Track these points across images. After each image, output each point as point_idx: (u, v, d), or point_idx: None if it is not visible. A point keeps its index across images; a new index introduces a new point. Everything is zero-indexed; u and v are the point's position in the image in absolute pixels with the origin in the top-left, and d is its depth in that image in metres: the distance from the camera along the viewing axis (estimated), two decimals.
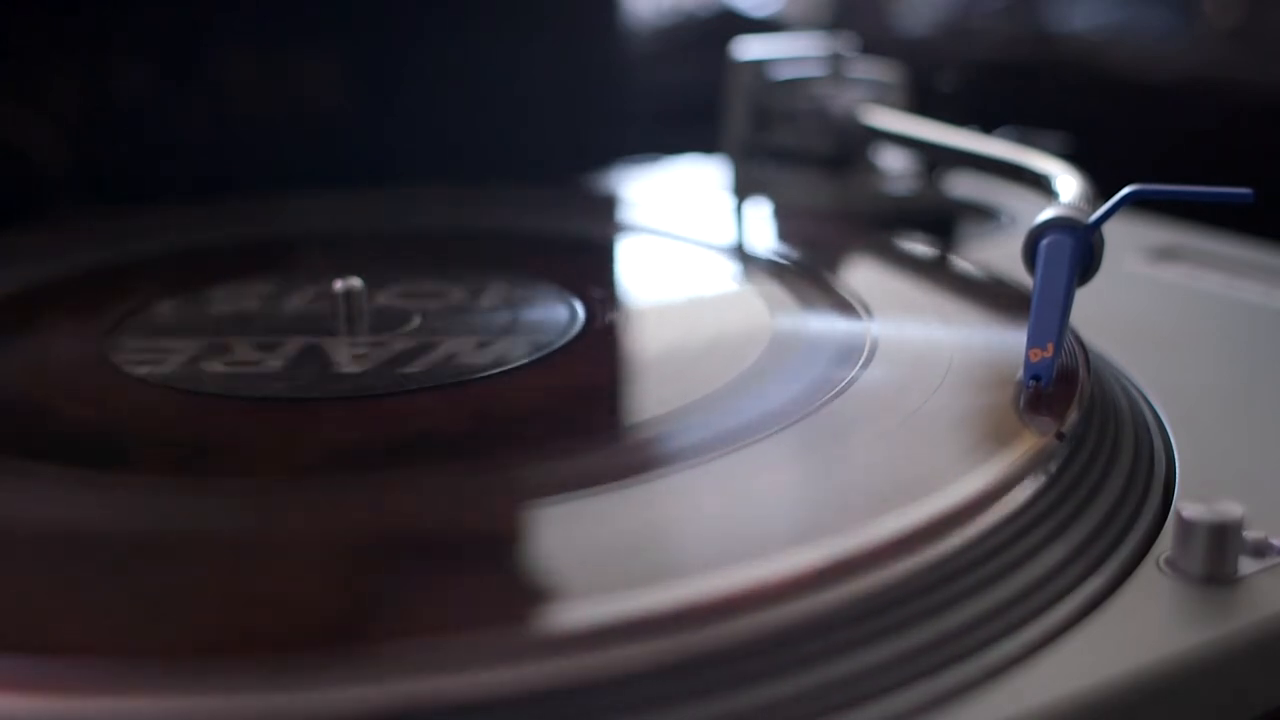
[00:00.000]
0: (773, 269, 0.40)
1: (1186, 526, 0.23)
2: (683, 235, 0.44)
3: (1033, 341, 0.28)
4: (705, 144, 0.54)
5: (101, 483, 0.25)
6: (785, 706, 0.20)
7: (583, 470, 0.25)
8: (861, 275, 0.39)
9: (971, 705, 0.20)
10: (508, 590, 0.21)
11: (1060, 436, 0.26)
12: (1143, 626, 0.22)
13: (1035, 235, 0.30)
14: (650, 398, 0.30)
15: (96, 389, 0.31)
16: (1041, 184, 0.37)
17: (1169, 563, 0.24)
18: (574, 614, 0.20)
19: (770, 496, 0.25)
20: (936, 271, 0.39)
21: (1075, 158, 0.39)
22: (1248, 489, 0.26)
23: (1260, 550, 0.24)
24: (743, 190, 0.50)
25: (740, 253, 0.43)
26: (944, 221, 0.48)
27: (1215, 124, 0.61)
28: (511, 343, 0.32)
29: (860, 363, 0.30)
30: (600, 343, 0.33)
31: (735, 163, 0.50)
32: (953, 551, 0.22)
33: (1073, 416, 0.26)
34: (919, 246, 0.41)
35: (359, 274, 0.34)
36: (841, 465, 0.26)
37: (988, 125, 0.44)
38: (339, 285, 0.33)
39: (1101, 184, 0.34)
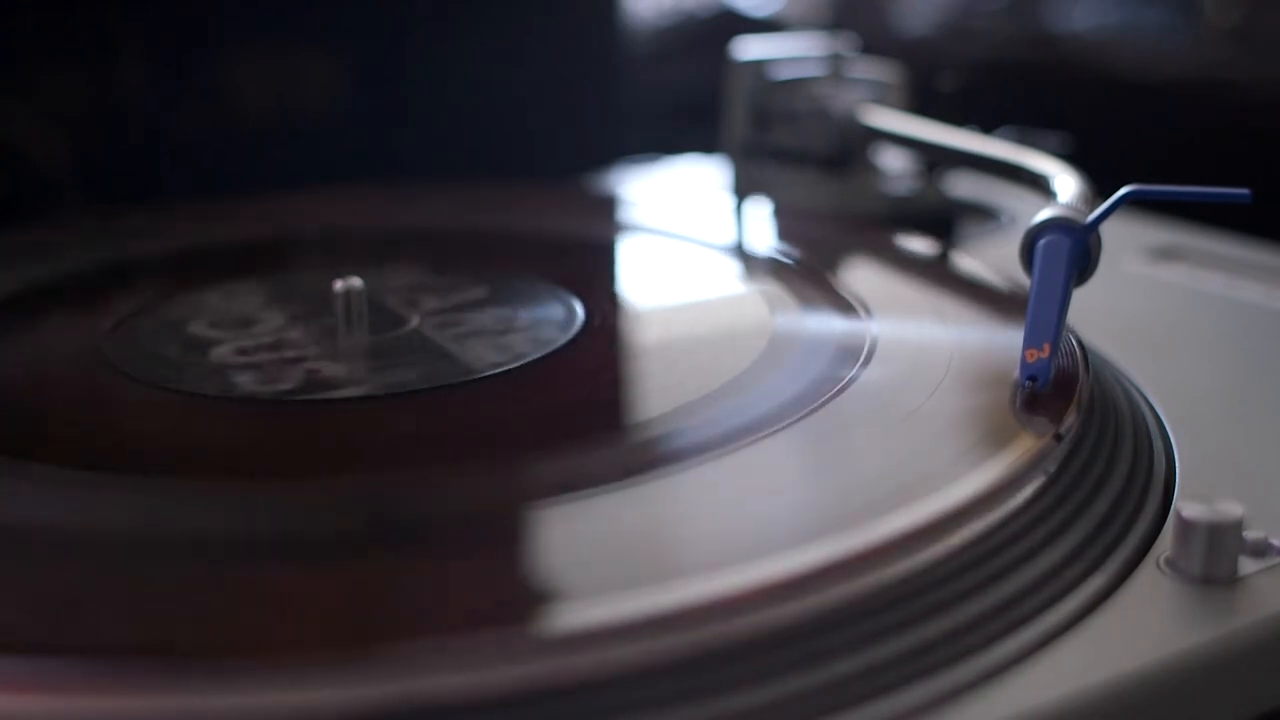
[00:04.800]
0: (773, 269, 0.40)
1: (1186, 526, 0.23)
2: (683, 235, 0.44)
3: (1029, 342, 0.28)
4: (705, 144, 0.54)
5: (101, 483, 0.25)
6: (786, 706, 0.20)
7: (583, 470, 0.25)
8: (861, 275, 0.39)
9: (971, 705, 0.20)
10: (508, 590, 0.21)
11: (1058, 437, 0.26)
12: (1143, 626, 0.22)
13: (1033, 235, 0.30)
14: (650, 397, 0.30)
15: (96, 389, 0.31)
16: (1040, 184, 0.37)
17: (1169, 563, 0.24)
18: (574, 614, 0.20)
19: (770, 496, 0.25)
20: (936, 271, 0.39)
21: (1075, 158, 0.39)
22: (1248, 489, 0.26)
23: (1260, 550, 0.24)
24: (743, 190, 0.50)
25: (740, 252, 0.43)
26: (944, 221, 0.48)
27: (1215, 124, 0.61)
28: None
29: (860, 362, 0.30)
30: (600, 342, 0.33)
31: (735, 163, 0.50)
32: (953, 551, 0.22)
33: (1072, 416, 0.26)
34: (919, 246, 0.41)
35: (359, 273, 0.34)
36: (841, 465, 0.26)
37: (988, 125, 0.44)
38: (339, 285, 0.33)
39: (1101, 184, 0.34)
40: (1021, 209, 0.49)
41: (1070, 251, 0.30)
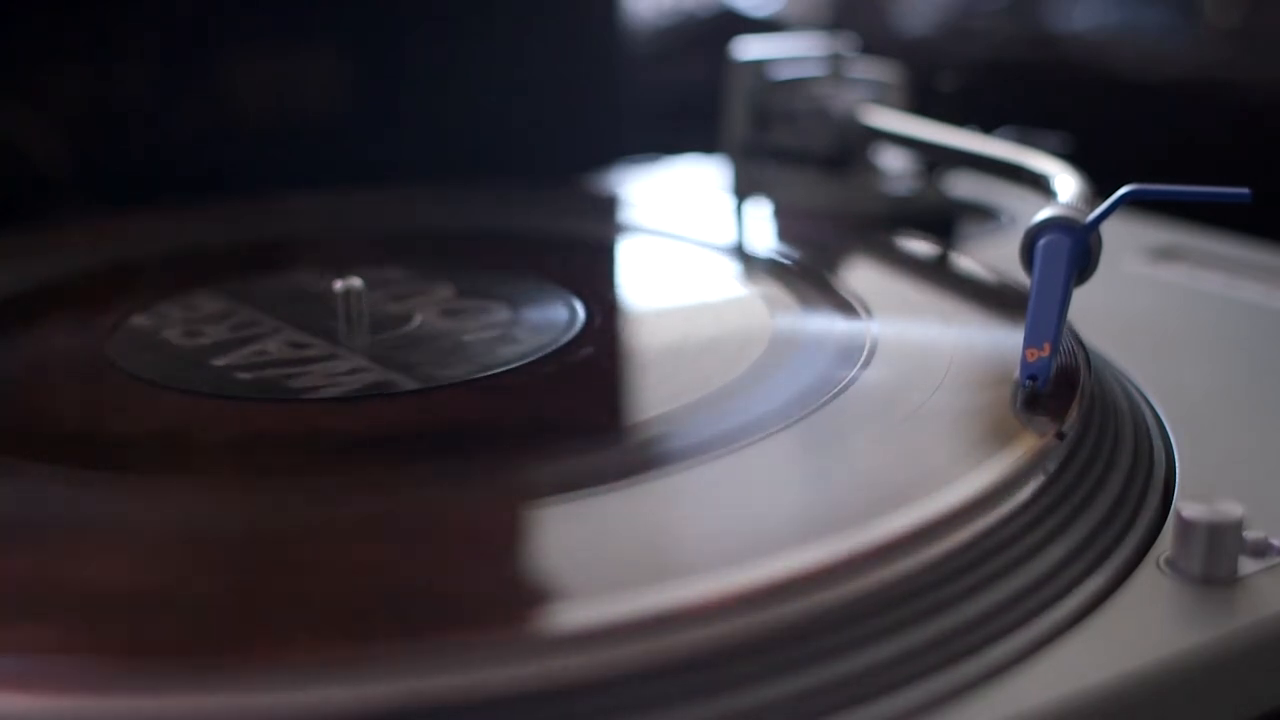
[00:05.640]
0: (773, 269, 0.40)
1: (1186, 526, 0.23)
2: (683, 235, 0.44)
3: (1029, 341, 0.28)
4: (705, 144, 0.54)
5: (102, 483, 0.25)
6: (785, 706, 0.20)
7: (583, 470, 0.25)
8: (861, 275, 0.39)
9: (971, 705, 0.20)
10: (508, 590, 0.21)
11: (1060, 436, 0.26)
12: (1143, 626, 0.22)
13: (1033, 235, 0.30)
14: (650, 397, 0.30)
15: (97, 389, 0.31)
16: (1040, 184, 0.37)
17: (1169, 563, 0.24)
18: (574, 614, 0.20)
19: (770, 496, 0.25)
20: (936, 271, 0.39)
21: (1075, 158, 0.39)
22: (1248, 489, 0.26)
23: (1260, 550, 0.24)
24: (743, 190, 0.50)
25: (740, 253, 0.43)
26: (944, 221, 0.48)
27: (1215, 124, 0.61)
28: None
29: (860, 363, 0.30)
30: (600, 343, 0.33)
31: (735, 163, 0.50)
32: (953, 551, 0.22)
33: (1073, 416, 0.26)
34: (919, 246, 0.41)
35: (359, 274, 0.34)
36: (841, 465, 0.26)
37: (988, 125, 0.44)
38: (339, 285, 0.33)
39: (1101, 184, 0.34)
40: (1021, 209, 0.49)
41: (1070, 251, 0.30)
